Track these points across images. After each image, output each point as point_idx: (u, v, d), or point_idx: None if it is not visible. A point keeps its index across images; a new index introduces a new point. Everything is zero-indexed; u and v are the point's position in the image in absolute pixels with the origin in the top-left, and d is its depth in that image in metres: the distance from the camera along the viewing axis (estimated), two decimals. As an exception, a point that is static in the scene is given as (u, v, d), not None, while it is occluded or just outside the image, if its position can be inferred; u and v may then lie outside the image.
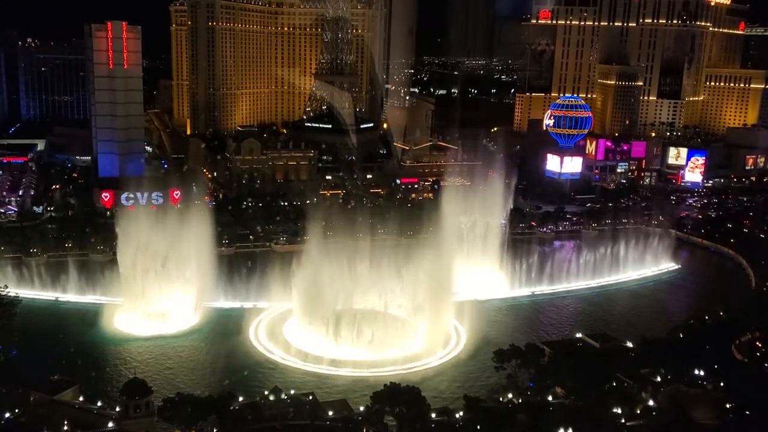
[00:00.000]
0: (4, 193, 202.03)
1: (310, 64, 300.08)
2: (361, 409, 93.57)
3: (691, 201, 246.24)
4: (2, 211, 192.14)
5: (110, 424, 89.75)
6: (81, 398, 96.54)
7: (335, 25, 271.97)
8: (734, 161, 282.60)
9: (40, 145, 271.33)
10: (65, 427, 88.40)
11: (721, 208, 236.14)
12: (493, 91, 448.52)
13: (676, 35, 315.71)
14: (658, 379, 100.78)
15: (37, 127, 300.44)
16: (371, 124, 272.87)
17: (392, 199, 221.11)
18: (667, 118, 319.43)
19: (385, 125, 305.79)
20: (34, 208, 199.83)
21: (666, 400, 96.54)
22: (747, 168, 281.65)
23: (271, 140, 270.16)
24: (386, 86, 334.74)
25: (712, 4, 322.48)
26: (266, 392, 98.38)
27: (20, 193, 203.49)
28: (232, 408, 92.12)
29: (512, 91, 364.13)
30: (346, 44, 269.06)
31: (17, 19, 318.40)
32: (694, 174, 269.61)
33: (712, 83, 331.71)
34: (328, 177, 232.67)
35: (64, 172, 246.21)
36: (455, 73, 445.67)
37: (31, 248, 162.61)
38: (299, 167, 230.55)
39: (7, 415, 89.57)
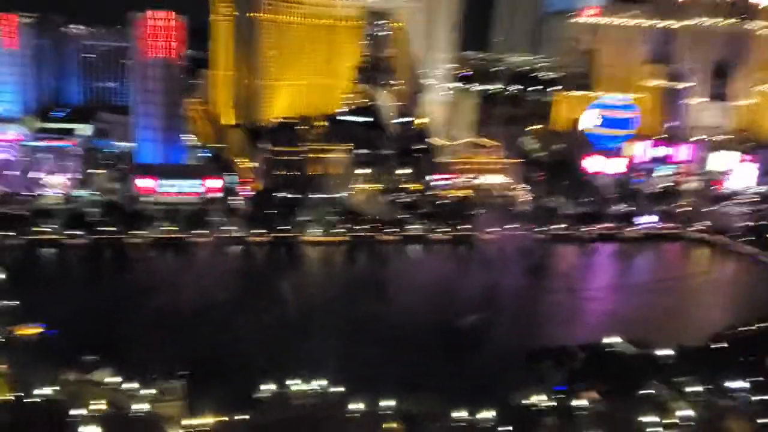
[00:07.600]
0: (51, 177, 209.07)
1: (351, 57, 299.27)
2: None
3: (738, 207, 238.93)
4: (50, 193, 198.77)
5: (142, 406, 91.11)
6: (114, 378, 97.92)
7: (378, 18, 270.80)
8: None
9: (86, 131, 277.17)
10: (98, 406, 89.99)
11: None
12: (537, 88, 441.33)
13: (726, 36, 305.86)
14: (695, 388, 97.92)
15: (83, 113, 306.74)
16: (410, 119, 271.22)
17: (427, 196, 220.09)
18: (715, 122, 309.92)
19: (424, 120, 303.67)
20: (79, 191, 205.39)
21: (702, 411, 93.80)
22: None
23: (308, 132, 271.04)
24: (427, 81, 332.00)
25: (765, 4, 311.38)
26: (293, 381, 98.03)
27: (66, 176, 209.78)
28: (260, 397, 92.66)
29: (555, 88, 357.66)
30: (388, 38, 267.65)
31: (64, 5, 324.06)
32: (741, 179, 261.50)
33: (763, 86, 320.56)
34: (364, 171, 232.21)
35: (107, 158, 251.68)
36: (498, 68, 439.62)
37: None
38: (335, 160, 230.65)
39: (42, 392, 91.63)
